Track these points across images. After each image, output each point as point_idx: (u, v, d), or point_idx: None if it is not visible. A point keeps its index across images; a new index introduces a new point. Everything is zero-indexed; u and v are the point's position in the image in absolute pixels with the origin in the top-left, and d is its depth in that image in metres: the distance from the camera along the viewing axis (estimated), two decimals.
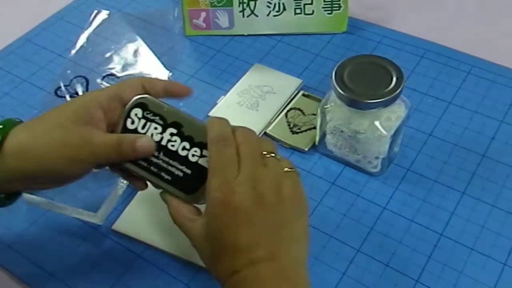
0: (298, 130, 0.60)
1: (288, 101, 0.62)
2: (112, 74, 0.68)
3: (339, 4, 0.69)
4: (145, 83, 0.46)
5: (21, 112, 0.64)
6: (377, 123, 0.51)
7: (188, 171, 0.43)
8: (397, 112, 0.52)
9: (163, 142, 0.44)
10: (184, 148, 0.43)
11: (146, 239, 0.51)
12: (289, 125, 0.60)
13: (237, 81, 0.65)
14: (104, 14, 0.76)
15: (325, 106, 0.53)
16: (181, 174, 0.43)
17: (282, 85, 0.64)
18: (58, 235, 0.53)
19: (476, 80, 0.64)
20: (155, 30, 0.74)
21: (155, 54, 0.70)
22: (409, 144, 0.58)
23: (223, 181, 0.40)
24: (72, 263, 0.51)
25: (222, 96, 0.64)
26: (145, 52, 0.71)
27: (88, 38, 0.73)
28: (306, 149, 0.58)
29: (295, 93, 0.63)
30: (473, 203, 0.53)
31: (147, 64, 0.69)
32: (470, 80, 0.64)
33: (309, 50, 0.70)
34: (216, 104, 0.63)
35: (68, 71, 0.68)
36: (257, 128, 0.59)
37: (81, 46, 0.72)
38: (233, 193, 0.39)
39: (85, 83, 0.67)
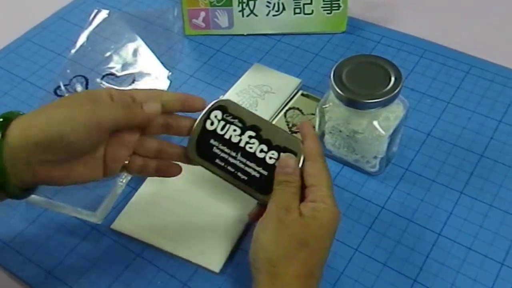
0: (297, 130, 0.60)
1: (287, 100, 0.63)
2: (111, 74, 0.68)
3: (338, 4, 0.69)
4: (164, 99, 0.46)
5: (21, 111, 0.64)
6: (375, 123, 0.51)
7: (265, 173, 0.45)
8: (396, 112, 0.52)
9: (242, 144, 0.46)
10: (262, 151, 0.45)
11: (144, 238, 0.51)
12: (288, 124, 0.60)
13: (236, 80, 0.65)
14: (104, 14, 0.77)
15: (324, 106, 0.53)
16: (257, 175, 0.45)
17: (281, 84, 0.64)
18: (57, 234, 0.53)
19: (475, 80, 0.64)
20: (155, 30, 0.74)
21: (155, 54, 0.70)
22: (407, 144, 0.58)
23: (331, 194, 0.43)
24: (70, 262, 0.51)
25: (221, 96, 0.64)
26: (145, 52, 0.71)
27: (88, 38, 0.73)
28: None
29: (294, 92, 0.63)
30: (471, 203, 0.53)
31: (146, 63, 0.69)
32: (469, 80, 0.64)
33: (308, 49, 0.70)
34: None
35: (68, 71, 0.69)
36: None
37: (81, 46, 0.72)
38: (335, 207, 0.43)
39: (84, 83, 0.67)
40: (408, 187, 0.55)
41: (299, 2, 0.69)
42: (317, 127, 0.56)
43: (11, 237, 0.53)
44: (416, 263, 0.49)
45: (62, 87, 0.66)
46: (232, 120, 0.46)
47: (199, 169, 0.56)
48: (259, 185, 0.45)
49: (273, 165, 0.45)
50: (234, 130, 0.46)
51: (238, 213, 0.53)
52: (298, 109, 0.62)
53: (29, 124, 0.43)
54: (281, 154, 0.45)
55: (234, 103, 0.47)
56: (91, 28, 0.75)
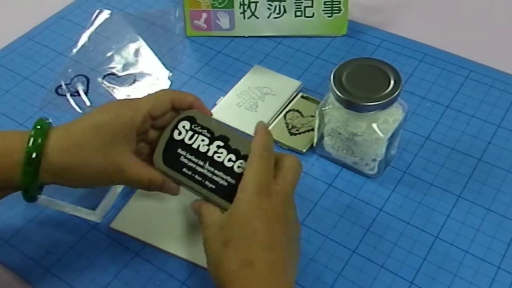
0: (297, 132, 0.60)
1: (287, 102, 0.63)
2: (113, 74, 0.69)
3: (339, 7, 0.69)
4: (174, 101, 0.48)
5: (22, 109, 0.64)
6: (374, 125, 0.51)
7: (233, 181, 0.45)
8: (395, 115, 0.52)
9: (210, 153, 0.46)
10: (230, 160, 0.46)
11: (143, 237, 0.52)
12: (287, 126, 0.61)
13: (237, 82, 0.66)
14: (105, 14, 0.77)
15: (323, 108, 0.53)
16: (225, 183, 0.45)
17: (281, 86, 0.64)
18: (56, 232, 0.53)
19: (474, 84, 0.65)
20: (156, 30, 0.74)
21: (156, 54, 0.71)
22: (406, 147, 0.58)
23: (262, 181, 0.43)
24: (70, 260, 0.51)
25: (222, 97, 0.64)
26: (146, 52, 0.71)
27: (89, 37, 0.74)
28: (304, 151, 0.58)
29: (294, 95, 0.64)
30: (468, 207, 0.53)
31: (147, 64, 0.70)
32: (468, 85, 0.65)
33: (309, 52, 0.70)
34: (215, 104, 0.63)
35: (69, 70, 0.69)
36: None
37: (83, 45, 0.73)
38: (269, 194, 0.42)
39: (86, 82, 0.67)
40: (406, 190, 0.55)
41: (300, 5, 0.69)
42: (316, 129, 0.56)
43: (11, 235, 0.53)
44: (413, 266, 0.49)
45: (64, 86, 0.67)
46: (200, 130, 0.47)
47: None
48: (226, 193, 0.45)
49: (241, 174, 0.45)
50: (203, 140, 0.47)
51: None
52: (297, 111, 0.62)
53: (63, 172, 0.45)
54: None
55: (202, 114, 0.48)
56: (93, 28, 0.75)
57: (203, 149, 0.46)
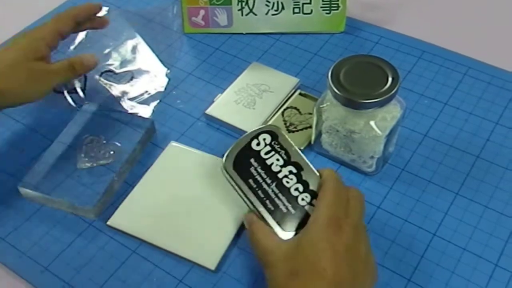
0: (294, 129, 0.60)
1: (285, 100, 0.63)
2: (110, 71, 0.68)
3: (337, 4, 0.69)
4: (79, 18, 0.60)
5: (20, 106, 0.64)
6: (372, 123, 0.51)
7: (293, 211, 0.45)
8: (393, 112, 0.52)
9: (280, 175, 0.46)
10: (296, 189, 0.46)
11: (141, 235, 0.52)
12: (285, 123, 0.60)
13: (235, 79, 0.65)
14: (103, 11, 0.76)
15: (321, 106, 0.53)
16: (284, 210, 0.45)
17: (279, 84, 0.64)
18: (53, 229, 0.53)
19: (472, 81, 0.65)
20: (154, 27, 0.74)
21: (154, 51, 0.70)
22: (404, 144, 0.58)
23: (334, 215, 0.43)
24: (66, 257, 0.51)
25: (220, 94, 0.64)
26: (144, 49, 0.71)
27: (86, 34, 0.73)
28: (302, 148, 0.58)
29: (292, 92, 0.63)
30: (466, 204, 0.53)
31: (145, 60, 0.69)
32: (466, 82, 0.65)
33: (307, 49, 0.70)
34: (213, 101, 0.63)
35: None
36: (253, 126, 0.59)
37: (80, 42, 0.72)
38: (340, 228, 0.42)
39: (83, 79, 0.67)
40: (404, 188, 0.55)
41: (298, 2, 0.69)
42: (314, 126, 0.56)
43: (8, 232, 0.53)
44: (411, 263, 0.49)
45: (61, 83, 0.66)
46: (278, 149, 0.46)
47: (195, 166, 0.57)
48: (282, 220, 0.45)
49: (303, 207, 0.45)
50: (277, 160, 0.46)
51: (234, 211, 0.53)
52: (295, 108, 0.62)
53: None
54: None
55: (284, 135, 0.48)
56: None
57: (275, 168, 0.46)
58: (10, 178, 0.57)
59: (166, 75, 0.68)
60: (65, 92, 0.65)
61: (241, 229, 0.52)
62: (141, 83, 0.67)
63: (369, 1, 0.77)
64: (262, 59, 0.69)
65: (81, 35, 0.73)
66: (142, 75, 0.68)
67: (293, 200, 0.45)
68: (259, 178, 0.46)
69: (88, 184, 0.55)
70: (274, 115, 0.61)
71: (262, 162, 0.46)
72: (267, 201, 0.45)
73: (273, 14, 0.70)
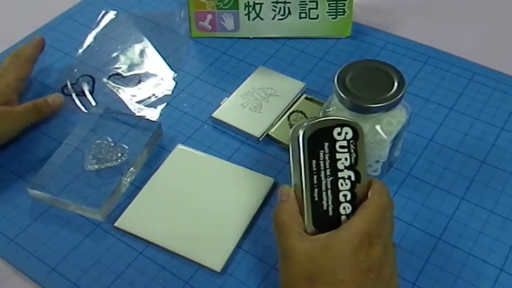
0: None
1: (291, 104, 0.63)
2: (118, 74, 0.69)
3: (343, 9, 0.70)
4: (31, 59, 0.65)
5: None
6: (378, 127, 0.51)
7: (331, 213, 0.44)
8: (398, 117, 0.52)
9: (339, 175, 0.44)
10: (344, 196, 0.44)
11: (147, 236, 0.52)
12: (291, 127, 0.61)
13: (241, 83, 0.66)
14: (111, 15, 0.77)
15: (327, 110, 0.54)
16: (324, 207, 0.43)
17: (285, 88, 0.65)
18: (61, 230, 0.54)
19: (478, 87, 0.65)
20: (161, 31, 0.75)
21: (161, 55, 0.71)
22: (409, 149, 0.59)
23: (370, 231, 0.41)
24: (74, 258, 0.51)
25: (226, 98, 0.64)
26: (151, 53, 0.71)
27: (95, 38, 0.74)
28: None
29: (298, 96, 0.64)
30: (471, 209, 0.53)
31: (153, 64, 0.70)
32: (471, 87, 0.65)
33: (313, 54, 0.70)
34: (219, 105, 0.64)
35: (75, 70, 0.69)
36: (259, 130, 0.60)
37: (88, 46, 0.73)
38: (371, 245, 0.40)
39: (91, 82, 0.68)
40: (409, 192, 0.55)
41: (305, 7, 0.70)
42: None
43: (16, 233, 0.53)
44: (416, 267, 0.49)
45: (69, 86, 0.67)
46: (352, 151, 0.44)
47: (202, 169, 0.57)
48: (317, 216, 0.43)
49: (340, 215, 0.44)
50: (346, 159, 0.44)
51: (241, 213, 0.53)
52: (301, 112, 0.62)
53: None
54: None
55: (364, 141, 0.45)
56: (98, 28, 0.75)
57: (339, 166, 0.44)
58: (19, 179, 0.57)
59: (173, 78, 0.68)
60: (74, 95, 0.66)
61: (247, 230, 0.52)
62: (149, 86, 0.67)
63: (375, 6, 0.77)
64: (269, 63, 0.69)
65: (89, 39, 0.74)
66: (149, 78, 0.68)
67: (336, 203, 0.44)
68: (321, 165, 0.43)
69: (95, 186, 0.56)
70: (280, 119, 0.62)
71: (333, 152, 0.44)
72: (316, 190, 0.43)
73: (279, 19, 0.71)
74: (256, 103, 0.63)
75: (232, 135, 0.61)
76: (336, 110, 0.53)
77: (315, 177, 0.43)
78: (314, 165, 0.43)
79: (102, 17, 0.77)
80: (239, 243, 0.51)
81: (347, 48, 0.71)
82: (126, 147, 0.59)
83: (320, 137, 0.44)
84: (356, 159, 0.44)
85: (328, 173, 0.44)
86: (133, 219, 0.53)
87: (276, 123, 0.61)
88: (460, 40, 0.71)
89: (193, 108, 0.65)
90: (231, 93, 0.65)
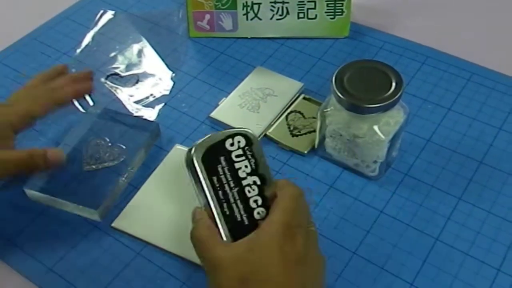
0: (298, 133, 0.60)
1: (289, 104, 0.63)
2: (116, 74, 0.69)
3: (341, 9, 0.70)
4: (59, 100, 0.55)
5: None
6: (375, 127, 0.51)
7: (246, 222, 0.43)
8: (396, 117, 0.52)
9: (244, 183, 0.44)
10: (255, 202, 0.44)
11: (145, 237, 0.52)
12: (289, 127, 0.61)
13: (239, 83, 0.66)
14: (109, 14, 0.77)
15: (325, 110, 0.54)
16: (239, 218, 0.43)
17: (283, 88, 0.65)
18: (58, 231, 0.53)
19: (476, 87, 0.65)
20: (160, 31, 0.75)
21: (159, 55, 0.71)
22: (407, 149, 0.58)
23: (289, 222, 0.41)
24: (71, 259, 0.51)
25: (224, 98, 0.64)
26: (149, 53, 0.71)
27: (93, 38, 0.74)
28: (306, 152, 0.59)
29: (296, 96, 0.64)
30: (469, 209, 0.53)
31: (151, 64, 0.70)
32: (470, 87, 0.65)
33: (311, 54, 0.70)
34: (218, 105, 0.63)
35: (73, 70, 0.69)
36: (257, 130, 0.60)
37: (86, 45, 0.73)
38: (294, 235, 0.40)
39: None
40: (407, 192, 0.55)
41: (303, 7, 0.70)
42: (318, 130, 0.56)
43: (13, 233, 0.53)
44: (413, 267, 0.49)
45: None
46: (250, 156, 0.44)
47: None
48: (233, 228, 0.43)
49: (256, 221, 0.43)
50: (246, 167, 0.44)
51: None
52: (299, 112, 0.62)
53: None
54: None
55: (259, 143, 0.45)
56: (96, 28, 0.75)
57: (241, 174, 0.44)
58: (16, 179, 0.57)
59: (171, 78, 0.68)
60: None
61: None
62: (147, 86, 0.67)
63: (374, 7, 0.77)
64: (267, 64, 0.69)
65: (87, 39, 0.74)
66: (147, 78, 0.68)
67: (249, 211, 0.43)
68: (223, 179, 0.43)
69: (93, 186, 0.55)
70: (278, 119, 0.62)
71: (231, 163, 0.44)
72: (225, 204, 0.43)
73: (277, 19, 0.71)
74: (254, 103, 0.63)
75: None
76: (334, 110, 0.53)
77: (220, 192, 0.43)
78: (216, 181, 0.43)
79: (100, 17, 0.77)
80: None
81: (345, 48, 0.71)
82: (124, 147, 0.59)
83: (214, 153, 0.44)
84: (256, 163, 0.44)
85: (232, 184, 0.43)
86: (130, 220, 0.53)
87: (274, 123, 0.61)
88: (458, 41, 0.71)
89: (191, 108, 0.65)
90: (229, 93, 0.65)
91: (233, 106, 0.63)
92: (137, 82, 0.68)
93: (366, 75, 0.52)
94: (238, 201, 0.43)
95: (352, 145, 0.54)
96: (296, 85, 0.65)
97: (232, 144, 0.44)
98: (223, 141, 0.44)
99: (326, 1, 0.69)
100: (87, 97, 0.65)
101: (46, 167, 0.51)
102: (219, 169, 0.43)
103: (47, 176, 0.56)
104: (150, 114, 0.64)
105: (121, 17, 0.77)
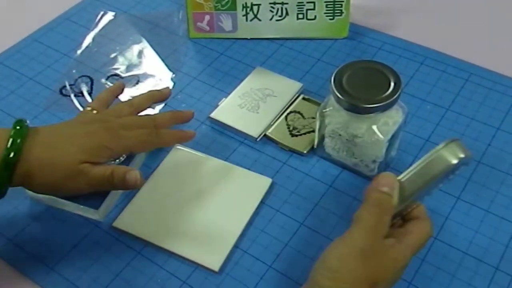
0: (298, 133, 0.61)
1: (288, 104, 0.63)
2: (116, 75, 0.69)
3: (341, 10, 0.70)
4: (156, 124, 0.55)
5: (27, 109, 0.65)
6: (374, 127, 0.52)
7: None
8: (394, 117, 0.53)
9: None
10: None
11: (145, 236, 0.52)
12: (288, 128, 0.61)
13: (239, 83, 0.66)
14: (110, 16, 0.78)
15: (324, 110, 0.54)
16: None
17: (283, 88, 0.65)
18: (60, 230, 0.54)
19: (474, 87, 0.65)
20: (160, 32, 0.75)
21: (159, 56, 0.71)
22: (406, 149, 0.59)
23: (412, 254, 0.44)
24: (72, 258, 0.52)
25: (224, 98, 0.65)
26: (150, 54, 0.72)
27: (93, 39, 0.74)
28: (305, 152, 0.59)
29: (295, 96, 0.64)
30: (467, 208, 0.54)
31: (151, 65, 0.70)
32: (468, 88, 0.65)
33: (311, 54, 0.71)
34: (217, 106, 0.64)
35: (73, 71, 0.70)
36: (257, 130, 0.61)
37: (87, 47, 0.73)
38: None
39: (89, 83, 0.68)
40: None
41: (302, 8, 0.70)
42: (317, 130, 0.56)
43: (15, 233, 0.54)
44: (412, 266, 0.50)
45: (68, 87, 0.67)
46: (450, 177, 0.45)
47: (200, 169, 0.57)
48: None
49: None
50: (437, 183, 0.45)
51: (238, 213, 0.54)
52: (299, 112, 0.63)
53: (28, 179, 0.49)
54: (383, 173, 0.44)
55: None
56: (97, 29, 0.76)
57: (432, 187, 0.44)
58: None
59: (171, 79, 0.68)
60: (72, 96, 0.66)
61: (245, 230, 0.52)
62: (147, 87, 0.68)
63: (373, 7, 0.78)
64: (266, 64, 0.70)
65: (87, 40, 0.74)
66: (147, 79, 0.69)
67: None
68: (429, 185, 0.45)
69: None
70: (277, 119, 0.62)
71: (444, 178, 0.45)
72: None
73: (277, 20, 0.71)
74: (253, 104, 0.63)
75: (230, 136, 0.62)
76: (333, 110, 0.53)
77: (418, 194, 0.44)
78: (430, 187, 0.44)
79: (101, 18, 0.77)
80: (236, 243, 0.52)
81: (344, 48, 0.71)
82: None
83: (455, 169, 0.44)
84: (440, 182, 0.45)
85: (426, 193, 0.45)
86: (131, 219, 0.54)
87: (274, 123, 0.62)
88: (456, 41, 0.71)
89: (191, 108, 0.65)
90: (229, 94, 0.65)
91: (233, 107, 0.63)
92: (137, 83, 0.68)
93: (365, 76, 0.52)
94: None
95: (351, 145, 0.54)
96: (296, 86, 0.65)
97: (458, 169, 0.44)
98: (463, 164, 0.44)
99: (325, 2, 0.69)
100: (88, 97, 0.65)
101: (122, 187, 0.51)
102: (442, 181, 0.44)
103: None
104: None
105: (122, 18, 0.77)
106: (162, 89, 0.61)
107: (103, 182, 0.50)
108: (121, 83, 0.61)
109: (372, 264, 0.41)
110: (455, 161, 0.43)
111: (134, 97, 0.59)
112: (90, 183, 0.50)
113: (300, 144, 0.59)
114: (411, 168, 0.44)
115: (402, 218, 0.46)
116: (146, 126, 0.55)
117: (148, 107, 0.59)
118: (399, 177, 0.44)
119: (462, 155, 0.43)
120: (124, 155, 0.57)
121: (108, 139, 0.51)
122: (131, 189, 0.53)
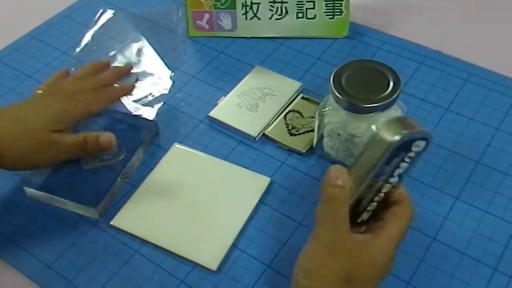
0: (296, 132, 0.60)
1: (288, 103, 0.63)
2: None
3: (340, 9, 0.70)
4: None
5: None
6: (373, 127, 0.51)
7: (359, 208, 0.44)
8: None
9: (390, 180, 0.44)
10: (379, 197, 0.45)
11: (143, 235, 0.52)
12: (287, 127, 0.61)
13: (238, 82, 0.66)
14: (109, 14, 0.78)
15: (323, 110, 0.54)
16: (362, 204, 0.44)
17: (282, 87, 0.65)
18: (57, 229, 0.54)
19: (473, 87, 0.65)
20: (159, 30, 0.75)
21: (158, 54, 0.71)
22: None
23: (396, 244, 0.44)
24: (70, 256, 0.52)
25: (223, 97, 0.64)
26: (149, 52, 0.72)
27: (92, 37, 0.74)
28: (304, 151, 0.59)
29: (294, 96, 0.64)
30: (466, 208, 0.54)
31: (150, 63, 0.70)
32: (467, 88, 0.65)
33: (310, 54, 0.71)
34: (216, 104, 0.64)
35: (72, 69, 0.69)
36: (256, 129, 0.60)
37: (86, 44, 0.73)
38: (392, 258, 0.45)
39: None
40: None
41: (302, 7, 0.70)
42: (316, 130, 0.56)
43: (12, 231, 0.54)
44: (410, 267, 0.50)
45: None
46: (412, 160, 0.44)
47: (198, 168, 0.57)
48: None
49: (366, 211, 0.44)
50: (404, 169, 0.44)
51: (236, 212, 0.53)
52: (298, 112, 0.63)
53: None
54: (332, 166, 0.43)
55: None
56: (96, 27, 0.76)
57: (396, 171, 0.43)
58: (15, 177, 0.58)
59: (171, 77, 0.68)
60: None
61: (242, 229, 0.52)
62: (146, 85, 0.67)
63: (372, 7, 0.78)
64: (266, 63, 0.70)
65: (87, 38, 0.74)
66: (146, 77, 0.69)
67: (369, 202, 0.44)
68: (387, 169, 0.43)
69: (92, 184, 0.56)
70: (276, 118, 0.62)
71: (400, 160, 0.43)
72: (380, 193, 0.44)
73: (276, 19, 0.71)
74: (252, 103, 0.63)
75: (229, 135, 0.62)
76: (332, 109, 0.53)
77: (381, 177, 0.43)
78: (380, 169, 0.43)
79: (100, 16, 0.77)
80: (234, 241, 0.52)
81: (344, 48, 0.71)
82: (123, 146, 0.59)
83: (403, 147, 0.43)
84: (407, 169, 0.44)
85: (385, 177, 0.43)
86: (129, 218, 0.54)
87: (273, 122, 0.62)
88: (456, 41, 0.71)
89: (190, 107, 0.65)
90: (228, 93, 0.65)
91: (232, 105, 0.63)
92: (136, 81, 0.68)
93: (364, 75, 0.52)
94: (374, 191, 0.44)
95: (350, 144, 0.54)
96: (295, 85, 0.65)
97: (417, 146, 0.43)
98: (409, 143, 0.42)
99: (325, 1, 0.69)
100: None
101: (97, 151, 0.55)
102: (394, 161, 0.43)
103: (46, 174, 0.56)
104: (149, 113, 0.64)
105: (121, 16, 0.77)
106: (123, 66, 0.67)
107: (76, 149, 0.53)
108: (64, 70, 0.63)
109: (340, 258, 0.41)
110: (396, 138, 0.41)
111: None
112: (64, 151, 0.53)
113: (299, 143, 0.59)
114: (359, 154, 0.44)
115: (383, 202, 0.45)
116: (95, 87, 0.59)
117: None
118: (349, 167, 0.44)
119: (405, 131, 0.41)
120: (122, 154, 0.57)
121: (66, 105, 0.55)
122: (105, 151, 0.55)
